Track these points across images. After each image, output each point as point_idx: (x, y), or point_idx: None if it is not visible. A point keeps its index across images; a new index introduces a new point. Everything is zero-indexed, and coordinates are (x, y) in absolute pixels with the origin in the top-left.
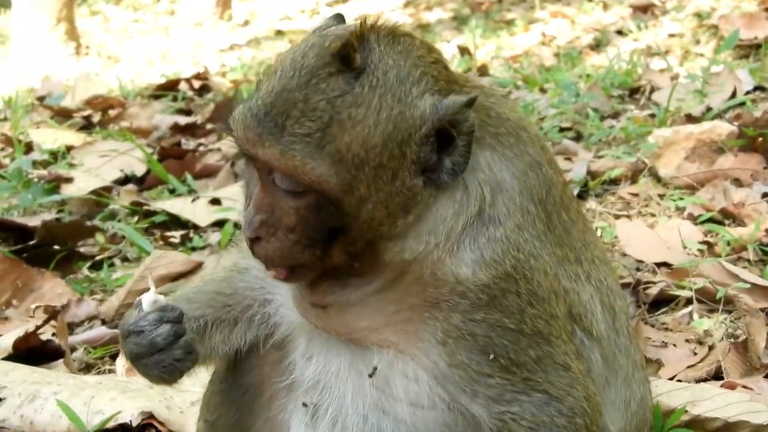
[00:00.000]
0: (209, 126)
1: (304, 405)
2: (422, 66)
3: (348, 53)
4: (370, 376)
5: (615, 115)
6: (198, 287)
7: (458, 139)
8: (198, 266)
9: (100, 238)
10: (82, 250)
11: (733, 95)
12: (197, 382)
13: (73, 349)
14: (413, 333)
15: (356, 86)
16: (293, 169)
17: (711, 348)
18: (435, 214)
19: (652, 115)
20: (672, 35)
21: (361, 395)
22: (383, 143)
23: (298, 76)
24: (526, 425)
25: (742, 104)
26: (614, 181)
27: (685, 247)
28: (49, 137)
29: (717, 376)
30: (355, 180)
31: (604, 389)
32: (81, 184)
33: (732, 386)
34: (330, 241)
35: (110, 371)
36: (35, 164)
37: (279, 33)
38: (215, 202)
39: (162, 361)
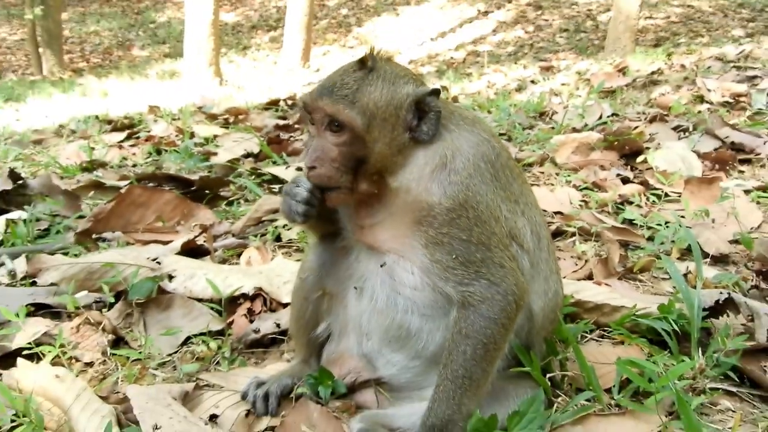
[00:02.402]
0: (296, 126)
1: (355, 288)
2: (406, 73)
3: (364, 61)
4: (381, 266)
5: (531, 127)
6: None
7: (429, 114)
8: None
9: (232, 187)
10: (222, 194)
11: (600, 117)
12: (288, 270)
13: (215, 250)
14: (408, 243)
15: (369, 76)
16: (336, 111)
17: (586, 261)
18: (415, 161)
19: (553, 128)
20: (563, 84)
21: (384, 283)
22: (385, 106)
23: (339, 72)
24: (477, 299)
25: (605, 123)
26: (530, 165)
27: (571, 203)
28: (204, 129)
29: (589, 277)
30: (371, 125)
31: (531, 283)
32: (222, 156)
33: (599, 284)
34: (357, 170)
35: (236, 263)
36: (195, 144)
37: None
38: (299, 169)
39: (296, 205)
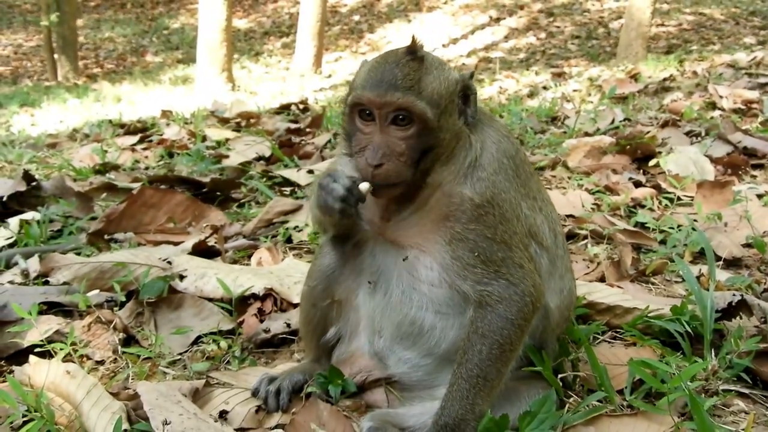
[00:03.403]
0: (307, 130)
1: (369, 282)
2: (441, 59)
3: (414, 49)
4: (404, 260)
5: (543, 132)
6: None
7: (471, 96)
8: (299, 207)
9: (243, 189)
10: (233, 195)
11: (612, 122)
12: (298, 270)
13: (226, 251)
14: (432, 238)
15: (423, 65)
16: (409, 103)
17: (598, 264)
18: (452, 159)
19: (565, 132)
20: (575, 90)
21: (401, 278)
22: (445, 93)
23: (392, 64)
24: (495, 299)
25: (617, 127)
26: (542, 168)
27: (583, 206)
28: (216, 133)
29: (601, 280)
30: (440, 114)
31: (548, 280)
32: (234, 159)
33: (611, 285)
34: (418, 162)
35: (247, 264)
36: (207, 148)
37: (348, 82)
38: (310, 171)
39: (333, 201)
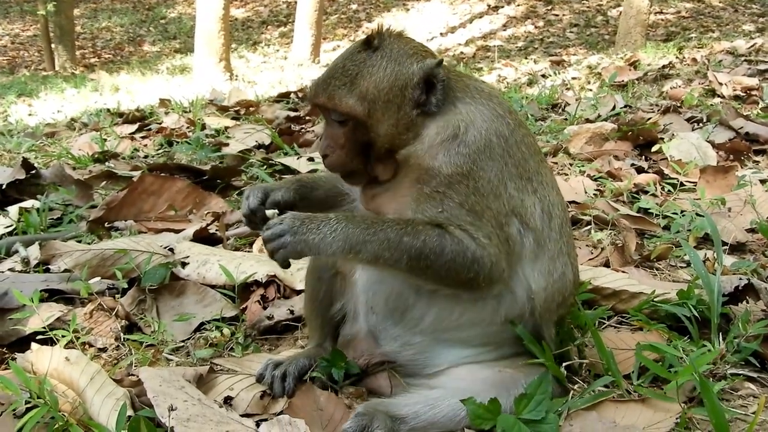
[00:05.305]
0: (307, 118)
1: None
2: (415, 50)
3: (370, 40)
4: None
5: (543, 119)
6: (327, 176)
7: (437, 84)
8: None
9: (244, 177)
10: (233, 183)
11: (613, 108)
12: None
13: (227, 238)
14: (404, 201)
15: (373, 57)
16: (335, 104)
17: (602, 249)
18: (426, 133)
19: (565, 119)
20: (574, 78)
21: None
22: (389, 87)
23: (340, 59)
24: (458, 233)
25: (618, 114)
26: (544, 155)
27: (585, 192)
28: (215, 121)
29: (606, 266)
30: (373, 109)
31: (533, 261)
32: (233, 147)
33: (615, 271)
34: (366, 153)
35: (249, 251)
36: (207, 136)
37: None
38: (310, 159)
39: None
